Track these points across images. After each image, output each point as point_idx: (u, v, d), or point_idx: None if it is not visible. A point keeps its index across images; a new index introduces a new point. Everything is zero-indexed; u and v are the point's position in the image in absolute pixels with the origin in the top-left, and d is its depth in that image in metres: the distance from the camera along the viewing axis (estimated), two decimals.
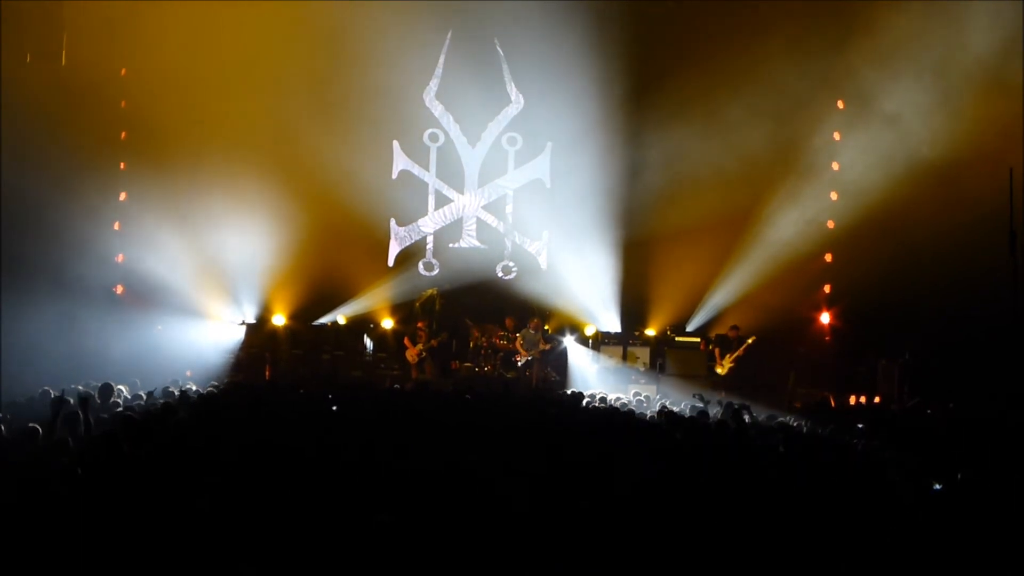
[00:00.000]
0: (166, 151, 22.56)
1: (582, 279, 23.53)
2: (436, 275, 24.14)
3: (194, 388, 15.27)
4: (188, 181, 22.81)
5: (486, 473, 8.33)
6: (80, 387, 13.74)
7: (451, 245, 24.36)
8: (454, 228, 24.38)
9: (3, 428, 10.20)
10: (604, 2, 23.71)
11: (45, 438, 9.80)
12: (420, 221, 24.27)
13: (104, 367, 17.55)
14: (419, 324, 22.06)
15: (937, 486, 8.98)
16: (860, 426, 11.45)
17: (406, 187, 24.14)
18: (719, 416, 13.25)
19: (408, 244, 24.23)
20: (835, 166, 23.41)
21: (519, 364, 22.19)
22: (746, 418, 12.90)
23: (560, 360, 22.70)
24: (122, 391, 13.95)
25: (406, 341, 21.92)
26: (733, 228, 23.01)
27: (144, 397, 13.74)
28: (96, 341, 20.57)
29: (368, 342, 22.95)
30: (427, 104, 24.16)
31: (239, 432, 10.21)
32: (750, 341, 21.49)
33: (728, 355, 21.60)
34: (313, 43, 23.31)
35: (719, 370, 21.64)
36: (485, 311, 23.59)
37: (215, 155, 22.49)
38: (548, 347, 22.17)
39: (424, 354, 21.75)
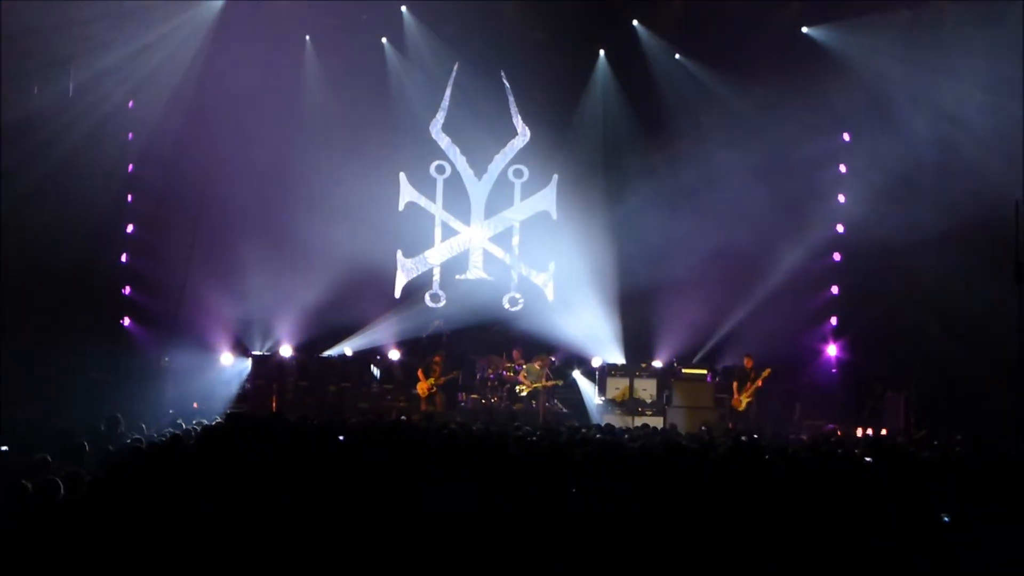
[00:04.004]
0: (173, 183, 22.64)
1: (588, 310, 23.52)
2: (442, 307, 24.14)
3: (197, 423, 15.21)
4: (196, 213, 22.90)
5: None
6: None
7: (458, 277, 24.37)
8: (461, 260, 24.41)
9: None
10: (611, 43, 23.92)
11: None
12: (427, 253, 24.30)
13: (110, 398, 17.54)
14: (435, 358, 21.96)
15: (946, 518, 8.94)
16: (868, 459, 11.40)
17: (413, 219, 24.19)
18: (725, 451, 13.18)
19: (415, 276, 24.24)
20: (841, 198, 23.45)
21: (524, 395, 22.16)
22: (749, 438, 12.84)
23: (568, 394, 22.72)
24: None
25: (419, 373, 21.85)
26: (740, 260, 23.03)
27: (145, 432, 13.66)
28: (102, 372, 20.56)
29: (375, 372, 22.92)
30: (433, 136, 24.24)
31: (245, 466, 10.18)
32: (766, 373, 21.27)
33: (745, 389, 21.40)
34: (319, 75, 23.45)
35: (737, 405, 21.41)
36: (491, 343, 23.60)
37: (222, 187, 22.54)
38: (553, 384, 22.15)
39: (435, 388, 21.71)
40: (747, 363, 21.57)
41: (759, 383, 21.21)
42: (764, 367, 21.33)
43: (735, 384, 21.51)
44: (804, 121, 22.24)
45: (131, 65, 21.63)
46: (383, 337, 23.41)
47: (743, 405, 21.28)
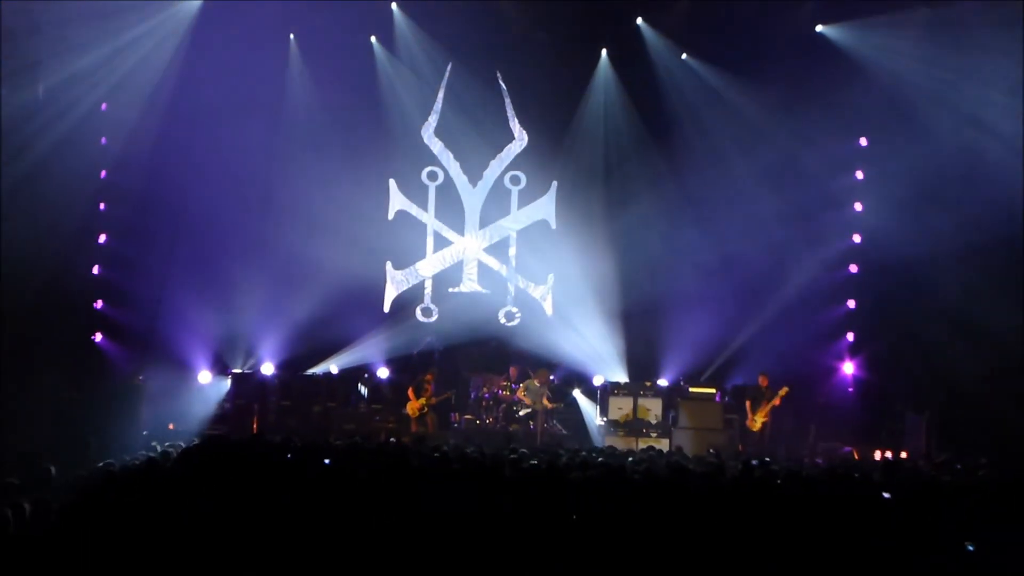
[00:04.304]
0: (149, 191, 22.63)
1: (589, 325, 23.51)
2: (435, 321, 24.12)
3: (172, 445, 15.13)
4: (174, 223, 22.88)
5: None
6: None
7: (451, 290, 24.34)
8: (454, 272, 24.37)
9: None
10: (613, 43, 23.95)
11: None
12: (418, 264, 24.27)
13: (80, 419, 17.49)
14: (427, 376, 21.90)
15: (970, 547, 8.92)
16: (887, 496, 11.32)
17: (403, 228, 24.16)
18: (736, 473, 13.16)
19: (405, 289, 24.21)
20: (858, 206, 23.46)
21: (521, 414, 22.12)
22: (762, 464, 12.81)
23: (568, 414, 22.70)
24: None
25: (410, 393, 21.79)
26: (750, 273, 23.03)
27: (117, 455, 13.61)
28: (72, 391, 20.51)
29: (363, 392, 22.88)
30: (425, 141, 24.22)
31: (224, 492, 10.15)
32: (783, 392, 21.14)
33: (760, 408, 21.35)
34: (304, 76, 23.46)
35: (752, 426, 21.33)
36: (486, 360, 23.57)
37: (201, 195, 22.51)
38: (554, 406, 22.12)
39: (427, 409, 21.66)
40: (762, 382, 21.49)
41: (776, 402, 21.12)
42: (781, 385, 21.23)
43: (748, 403, 21.43)
44: (819, 125, 22.28)
45: (105, 67, 21.56)
46: (371, 354, 23.37)
47: (758, 425, 21.21)
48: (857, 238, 23.46)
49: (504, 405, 22.51)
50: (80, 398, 20.17)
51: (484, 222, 24.39)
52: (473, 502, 9.94)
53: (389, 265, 24.06)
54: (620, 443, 20.10)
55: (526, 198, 24.41)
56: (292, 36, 23.54)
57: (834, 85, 22.05)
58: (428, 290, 24.28)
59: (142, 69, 22.07)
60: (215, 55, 22.33)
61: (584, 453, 15.48)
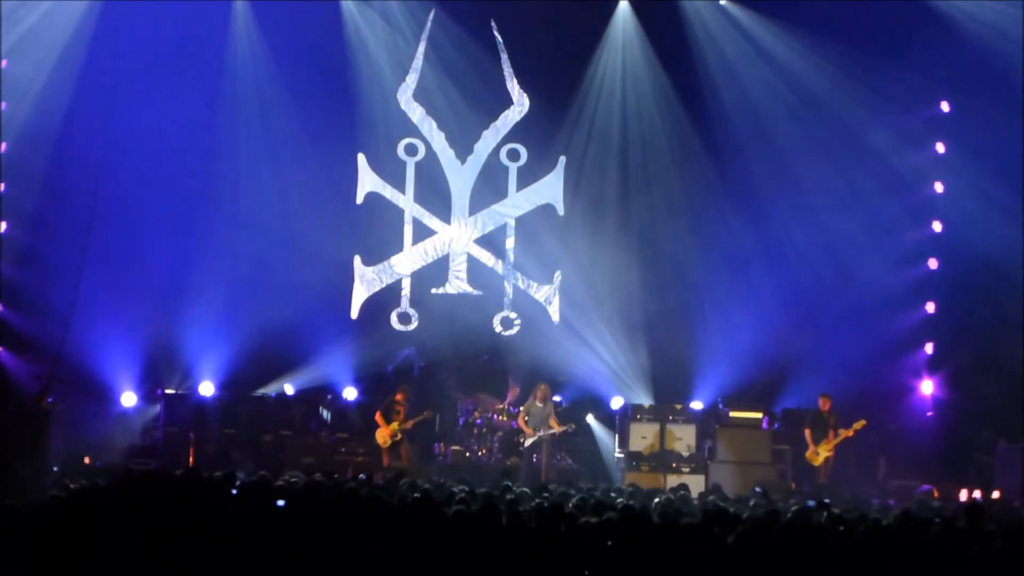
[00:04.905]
0: (60, 171, 22.54)
1: (605, 335, 23.50)
2: (414, 330, 24.09)
3: (89, 482, 15.07)
4: (90, 210, 22.75)
5: None
6: None
7: (434, 291, 24.31)
8: (438, 268, 24.35)
9: None
10: None
11: None
12: (393, 259, 24.24)
13: None
14: (397, 396, 21.83)
15: None
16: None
17: (375, 214, 24.15)
18: (791, 516, 13.13)
19: (378, 289, 24.19)
20: (938, 187, 23.43)
21: (524, 447, 22.08)
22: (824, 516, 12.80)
23: (580, 444, 22.69)
24: None
25: (378, 418, 21.73)
26: (803, 270, 23.04)
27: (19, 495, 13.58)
28: None
29: (325, 417, 22.86)
30: (402, 106, 24.19)
31: (153, 539, 10.09)
32: (858, 426, 20.96)
33: (826, 439, 21.24)
34: (251, 30, 23.41)
35: (812, 459, 21.24)
36: (479, 377, 23.55)
37: (124, 177, 22.45)
38: (563, 429, 22.05)
39: (399, 436, 21.58)
40: (823, 405, 21.42)
41: (849, 433, 21.03)
42: (850, 413, 21.19)
43: (809, 432, 21.33)
44: (890, 87, 22.33)
45: (5, 19, 21.58)
46: (335, 371, 23.36)
47: (820, 459, 21.12)
48: (937, 226, 23.46)
49: (501, 433, 22.46)
50: None
51: (475, 207, 24.37)
52: (462, 555, 9.88)
53: (357, 260, 24.04)
54: (644, 480, 20.07)
55: (527, 177, 24.42)
56: None
57: (909, 38, 22.04)
58: (406, 291, 24.27)
59: (49, 23, 22.06)
60: (141, 6, 22.25)
61: (599, 493, 15.45)
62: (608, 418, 23.10)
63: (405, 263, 24.30)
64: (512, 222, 24.46)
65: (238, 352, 22.92)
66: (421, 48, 24.08)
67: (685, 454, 22.01)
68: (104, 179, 22.59)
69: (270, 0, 23.34)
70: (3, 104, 22.45)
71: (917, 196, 23.60)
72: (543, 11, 23.34)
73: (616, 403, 23.29)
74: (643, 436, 22.22)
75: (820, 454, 21.13)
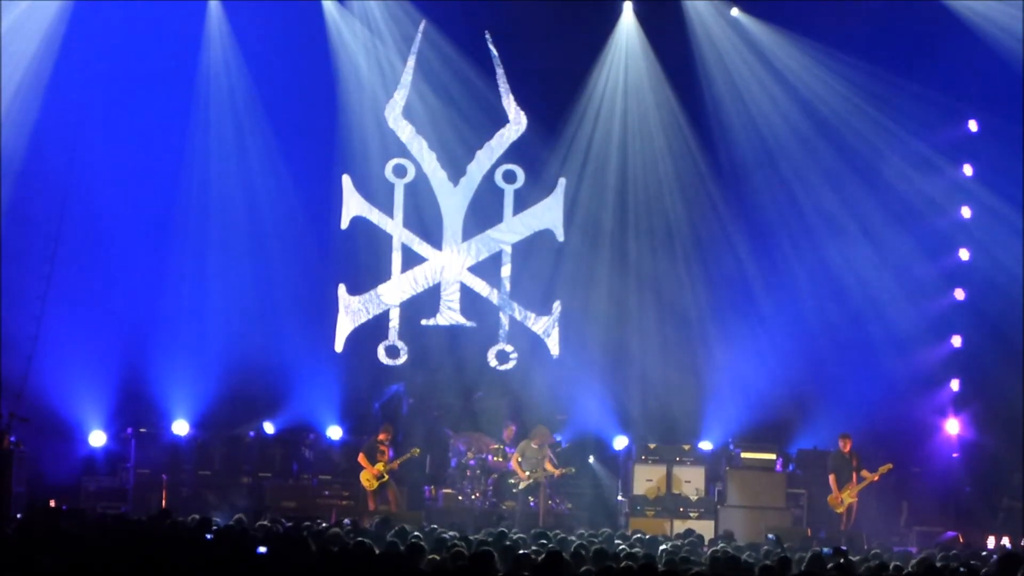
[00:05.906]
0: (25, 182, 22.48)
1: (608, 370, 23.49)
2: (403, 364, 24.08)
3: (53, 527, 15.08)
4: (55, 226, 22.71)
5: None
6: None
7: (424, 322, 24.30)
8: (429, 298, 24.33)
9: None
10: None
11: None
12: (380, 288, 24.23)
13: None
14: (380, 436, 21.81)
15: None
16: None
17: (361, 240, 24.16)
18: (804, 567, 13.13)
19: (364, 320, 24.18)
20: (965, 212, 23.45)
21: (518, 489, 22.05)
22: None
23: (580, 487, 22.68)
24: None
25: (361, 459, 21.73)
26: (820, 300, 23.04)
27: None
28: None
29: (307, 457, 22.83)
30: (391, 125, 24.21)
31: None
32: (884, 470, 21.03)
33: (848, 484, 21.10)
34: (228, 41, 23.42)
35: (835, 505, 21.19)
36: (472, 416, 23.53)
37: (92, 193, 22.46)
38: (561, 472, 22.03)
39: (386, 477, 21.57)
40: (843, 446, 21.37)
41: (875, 478, 21.05)
42: (871, 455, 21.23)
43: (833, 477, 21.29)
44: (913, 105, 22.35)
45: None
46: (318, 408, 23.32)
47: (844, 506, 21.07)
48: (964, 254, 23.44)
49: (495, 475, 22.43)
50: None
51: (468, 232, 24.37)
52: None
53: (342, 289, 24.03)
54: (649, 526, 20.07)
55: (524, 200, 24.44)
56: None
57: (934, 52, 22.08)
58: (394, 322, 24.25)
59: (16, 32, 22.07)
60: (113, 13, 22.29)
61: (600, 539, 15.44)
62: (611, 459, 23.08)
63: (393, 292, 24.28)
64: (508, 248, 24.45)
65: (214, 388, 22.85)
66: (411, 62, 24.09)
67: (693, 498, 22.00)
68: (70, 203, 22.59)
69: (247, 10, 23.29)
70: None
71: (942, 222, 23.56)
72: (541, 22, 23.33)
73: (619, 443, 23.27)
74: (648, 479, 22.22)
75: (844, 500, 21.07)
